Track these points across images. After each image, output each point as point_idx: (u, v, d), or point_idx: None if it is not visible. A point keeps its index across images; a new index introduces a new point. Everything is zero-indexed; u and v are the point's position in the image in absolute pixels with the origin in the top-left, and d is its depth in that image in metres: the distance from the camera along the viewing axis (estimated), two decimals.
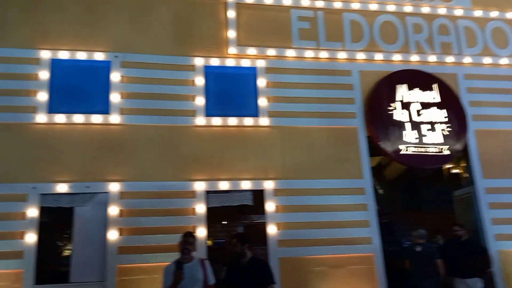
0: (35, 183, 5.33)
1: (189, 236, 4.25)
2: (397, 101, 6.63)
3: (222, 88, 6.28)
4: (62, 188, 5.42)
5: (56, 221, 5.83)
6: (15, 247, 5.11)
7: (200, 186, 5.77)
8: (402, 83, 6.74)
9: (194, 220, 5.64)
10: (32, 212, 5.24)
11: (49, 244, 7.08)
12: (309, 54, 6.62)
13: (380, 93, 6.60)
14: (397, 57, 6.93)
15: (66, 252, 5.81)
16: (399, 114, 6.57)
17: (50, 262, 5.67)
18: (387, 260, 6.00)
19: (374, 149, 6.50)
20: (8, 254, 5.07)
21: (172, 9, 6.36)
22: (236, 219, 8.75)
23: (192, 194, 5.73)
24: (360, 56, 6.79)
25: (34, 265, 5.11)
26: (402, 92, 6.70)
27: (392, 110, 6.56)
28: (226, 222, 9.04)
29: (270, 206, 5.84)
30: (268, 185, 5.93)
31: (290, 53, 6.56)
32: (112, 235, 5.35)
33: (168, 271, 4.07)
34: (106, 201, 5.49)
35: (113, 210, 5.45)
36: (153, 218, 5.53)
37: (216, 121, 6.05)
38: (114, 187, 5.54)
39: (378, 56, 6.86)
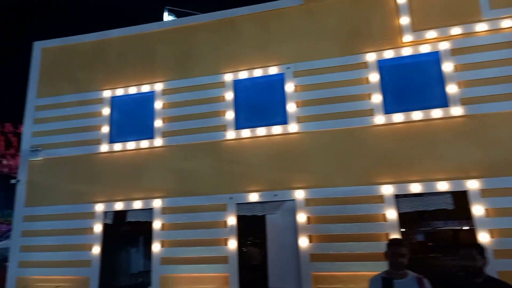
0: (231, 194, 5.84)
1: (400, 246, 3.54)
2: None
3: (400, 81, 5.72)
4: (253, 197, 5.78)
5: (251, 228, 6.24)
6: (221, 252, 5.65)
7: (387, 190, 5.32)
8: None
9: (385, 227, 5.22)
10: (232, 220, 5.74)
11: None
12: (507, 24, 5.44)
13: None
14: None
15: (262, 258, 6.12)
16: None
17: (248, 267, 6.08)
18: None
19: None
20: (215, 259, 5.65)
21: (336, 11, 6.20)
22: (417, 225, 7.81)
23: (380, 199, 5.33)
24: None
25: (237, 269, 5.56)
26: None
27: None
28: (404, 230, 8.16)
29: (478, 209, 4.93)
30: (472, 185, 5.04)
31: (481, 27, 5.52)
32: (303, 242, 5.39)
33: (374, 284, 3.58)
34: (294, 208, 5.60)
35: (301, 217, 5.51)
36: (341, 225, 5.35)
37: (398, 117, 5.53)
38: (299, 195, 5.61)
39: None
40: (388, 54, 5.79)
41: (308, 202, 5.56)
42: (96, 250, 6.08)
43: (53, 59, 7.19)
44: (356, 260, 5.16)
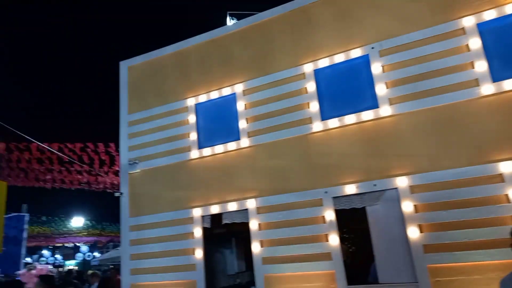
0: (326, 188, 5.61)
1: None
2: None
3: (508, 43, 5.02)
4: (350, 189, 5.48)
5: (350, 222, 5.96)
6: (323, 249, 5.43)
7: (507, 167, 4.69)
8: None
9: (510, 209, 4.60)
10: (330, 215, 5.51)
11: (349, 244, 7.40)
12: None
13: None
14: None
15: (366, 252, 5.81)
16: None
17: (353, 263, 5.81)
18: None
19: None
20: (318, 256, 5.43)
21: None
22: None
23: (499, 178, 4.71)
24: None
25: (343, 265, 5.31)
26: None
27: None
28: None
29: None
30: None
31: None
32: (413, 232, 4.97)
33: (505, 285, 3.18)
34: (397, 197, 5.19)
35: (407, 206, 5.08)
36: (456, 211, 4.83)
37: (511, 83, 4.85)
38: (401, 182, 5.19)
39: None
40: (489, 15, 5.11)
41: (413, 189, 5.11)
42: (199, 253, 6.24)
43: (139, 75, 7.57)
44: (478, 249, 4.62)
